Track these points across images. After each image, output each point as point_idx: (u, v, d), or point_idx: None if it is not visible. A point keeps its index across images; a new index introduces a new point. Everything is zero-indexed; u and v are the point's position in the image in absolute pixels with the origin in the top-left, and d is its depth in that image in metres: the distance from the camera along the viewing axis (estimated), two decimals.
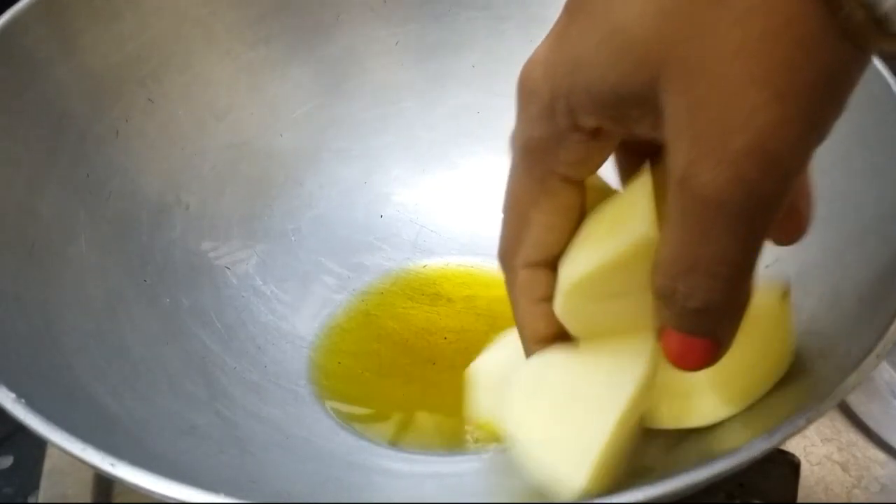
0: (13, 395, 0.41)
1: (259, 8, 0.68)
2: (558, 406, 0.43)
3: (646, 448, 0.47)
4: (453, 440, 0.57)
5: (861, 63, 0.27)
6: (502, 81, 0.72)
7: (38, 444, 0.53)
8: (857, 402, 0.64)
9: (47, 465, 0.56)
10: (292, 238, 0.67)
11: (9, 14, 0.57)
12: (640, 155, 0.38)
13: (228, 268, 0.65)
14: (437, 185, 0.72)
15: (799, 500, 0.54)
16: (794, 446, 0.62)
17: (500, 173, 0.71)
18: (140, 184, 0.63)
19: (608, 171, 0.40)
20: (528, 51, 0.70)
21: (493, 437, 0.53)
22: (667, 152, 0.29)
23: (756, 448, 0.37)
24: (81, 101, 0.60)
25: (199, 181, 0.66)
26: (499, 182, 0.71)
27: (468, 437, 0.56)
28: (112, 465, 0.38)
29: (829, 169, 0.55)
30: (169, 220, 0.64)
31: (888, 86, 0.53)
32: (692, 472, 0.37)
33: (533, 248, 0.37)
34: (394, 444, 0.58)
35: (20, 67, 0.57)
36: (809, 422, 0.38)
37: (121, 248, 0.60)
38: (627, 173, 0.40)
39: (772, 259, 0.57)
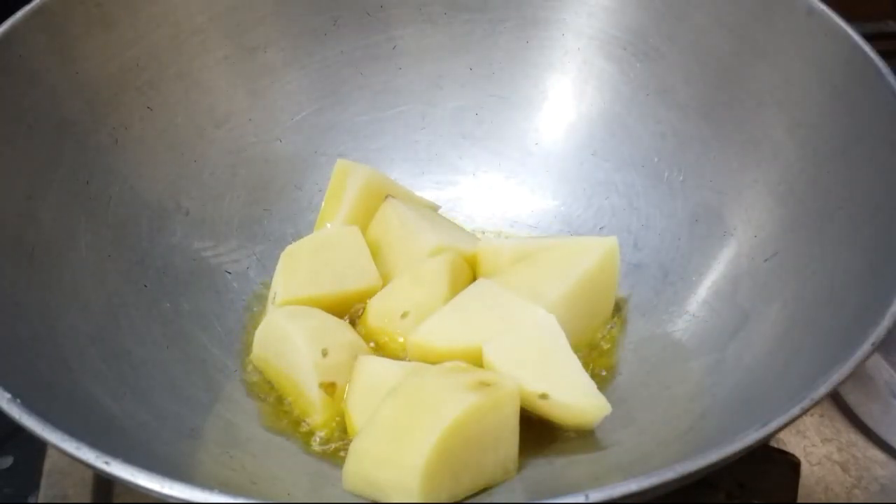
0: (9, 396, 0.41)
1: (256, 14, 0.69)
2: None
3: (639, 441, 0.47)
4: None
5: None
6: (499, 83, 0.73)
7: (38, 445, 0.54)
8: (857, 402, 0.64)
9: (47, 465, 0.56)
10: (291, 241, 0.67)
11: (7, 24, 0.57)
12: None
13: (229, 272, 0.66)
14: (436, 186, 0.72)
15: (799, 500, 0.54)
16: (794, 446, 0.61)
17: (497, 174, 0.73)
18: (140, 190, 0.63)
19: None
20: (524, 52, 0.71)
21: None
22: None
23: (751, 437, 0.37)
24: (80, 109, 0.61)
25: (198, 187, 0.66)
26: (496, 182, 0.73)
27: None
28: (106, 462, 0.38)
29: (825, 162, 0.56)
30: (169, 226, 0.64)
31: (885, 80, 0.53)
32: (687, 461, 0.37)
33: None
34: None
35: (19, 76, 0.57)
36: (804, 410, 0.38)
37: (121, 253, 0.60)
38: None
39: (771, 252, 0.57)
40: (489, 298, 0.59)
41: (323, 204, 0.68)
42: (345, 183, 0.66)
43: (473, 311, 0.58)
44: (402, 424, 0.49)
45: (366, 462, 0.49)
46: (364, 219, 0.66)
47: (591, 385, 0.52)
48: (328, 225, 0.66)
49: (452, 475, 0.48)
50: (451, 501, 0.49)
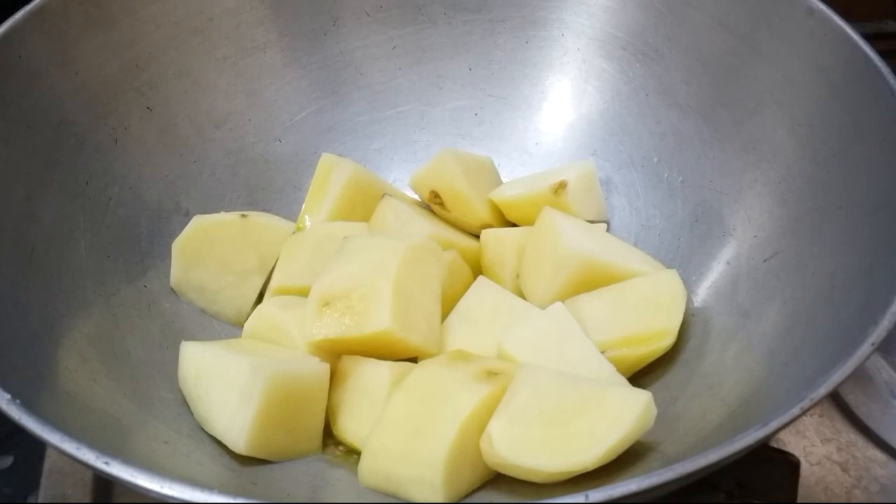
0: (8, 396, 0.41)
1: (256, 14, 0.69)
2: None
3: (639, 441, 0.47)
4: None
5: None
6: (499, 83, 0.73)
7: (38, 445, 0.54)
8: (857, 402, 0.64)
9: (47, 465, 0.56)
10: None
11: (6, 24, 0.57)
12: None
13: None
14: None
15: (799, 500, 0.54)
16: (794, 446, 0.61)
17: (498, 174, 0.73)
18: (139, 190, 0.63)
19: None
20: (523, 52, 0.71)
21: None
22: None
23: (751, 437, 0.37)
24: (80, 110, 0.61)
25: (197, 187, 0.66)
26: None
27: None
28: (106, 462, 0.38)
29: (825, 161, 0.56)
30: (168, 226, 0.64)
31: (885, 80, 0.53)
32: (687, 461, 0.37)
33: None
34: None
35: (18, 77, 0.57)
36: (804, 410, 0.38)
37: (120, 254, 0.60)
38: None
39: (770, 253, 0.57)
40: (493, 299, 0.59)
41: (306, 197, 0.68)
42: (329, 178, 0.66)
43: (480, 313, 0.59)
44: (418, 419, 0.49)
45: (383, 458, 0.49)
46: (348, 214, 0.66)
47: (611, 368, 0.53)
48: (306, 218, 0.66)
49: (470, 465, 0.49)
50: (469, 490, 0.49)
